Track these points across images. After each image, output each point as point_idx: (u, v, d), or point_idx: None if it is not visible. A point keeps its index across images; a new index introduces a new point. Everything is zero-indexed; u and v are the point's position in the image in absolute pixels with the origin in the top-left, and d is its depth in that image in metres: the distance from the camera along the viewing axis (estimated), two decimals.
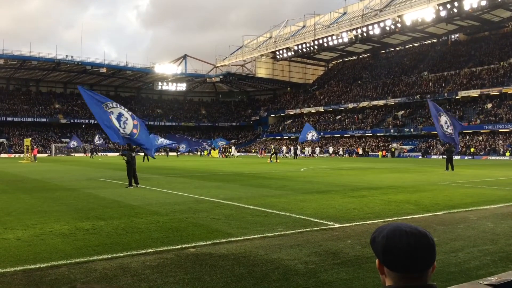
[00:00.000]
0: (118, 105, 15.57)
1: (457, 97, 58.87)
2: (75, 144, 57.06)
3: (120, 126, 14.96)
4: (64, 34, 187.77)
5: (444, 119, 22.95)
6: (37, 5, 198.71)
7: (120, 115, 15.23)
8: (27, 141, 44.98)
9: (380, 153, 58.14)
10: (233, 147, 59.23)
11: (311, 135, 42.80)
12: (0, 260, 5.64)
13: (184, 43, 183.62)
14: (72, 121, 76.78)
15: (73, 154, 67.14)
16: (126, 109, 15.71)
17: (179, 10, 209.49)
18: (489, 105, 55.87)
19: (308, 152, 61.28)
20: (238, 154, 62.05)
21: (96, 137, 60.06)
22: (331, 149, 63.40)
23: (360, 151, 61.13)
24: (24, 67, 71.73)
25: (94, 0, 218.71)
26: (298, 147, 58.20)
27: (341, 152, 62.46)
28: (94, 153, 57.99)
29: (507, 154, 48.10)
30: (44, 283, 4.75)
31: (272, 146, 44.42)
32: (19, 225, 8.02)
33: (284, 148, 61.97)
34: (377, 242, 1.32)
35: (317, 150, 62.52)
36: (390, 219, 8.64)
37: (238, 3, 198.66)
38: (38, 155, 47.21)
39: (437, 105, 25.53)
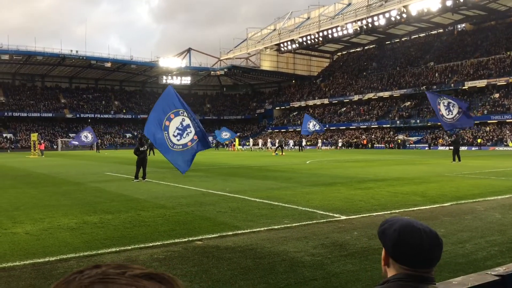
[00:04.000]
0: (192, 116, 14.38)
1: (463, 87, 58.42)
2: (89, 136, 50.90)
3: (174, 135, 13.84)
4: (76, 30, 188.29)
5: (444, 104, 22.19)
6: (50, 2, 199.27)
7: (187, 126, 14.06)
8: (34, 136, 45.20)
9: (385, 145, 57.95)
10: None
11: (312, 124, 41.13)
12: (9, 254, 5.70)
13: (193, 37, 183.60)
14: (78, 115, 77.04)
15: (78, 148, 66.82)
16: (195, 121, 14.55)
17: (189, 4, 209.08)
18: (496, 95, 55.43)
19: (291, 145, 59.14)
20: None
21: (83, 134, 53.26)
22: (340, 142, 62.83)
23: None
24: (29, 62, 71.89)
25: None
26: (303, 140, 58.05)
27: (340, 144, 61.77)
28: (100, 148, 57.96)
29: (510, 144, 47.97)
30: (53, 276, 4.80)
31: (278, 139, 44.30)
32: (27, 219, 8.09)
33: (290, 142, 61.62)
34: (388, 234, 1.32)
35: (319, 142, 61.83)
36: (397, 211, 8.63)
37: None
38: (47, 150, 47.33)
39: (435, 93, 24.86)
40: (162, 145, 14.32)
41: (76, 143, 53.03)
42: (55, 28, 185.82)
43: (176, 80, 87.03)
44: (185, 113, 14.12)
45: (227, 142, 58.68)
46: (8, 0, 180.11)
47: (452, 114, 21.81)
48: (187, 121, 14.04)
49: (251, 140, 58.42)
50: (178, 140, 14.03)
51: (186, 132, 14.19)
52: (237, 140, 55.14)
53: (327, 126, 71.13)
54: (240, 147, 56.51)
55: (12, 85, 79.01)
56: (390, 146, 57.18)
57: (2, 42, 66.43)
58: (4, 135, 69.83)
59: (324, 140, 65.45)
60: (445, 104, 21.89)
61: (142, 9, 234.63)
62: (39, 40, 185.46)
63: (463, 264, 5.03)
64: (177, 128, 13.91)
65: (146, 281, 0.61)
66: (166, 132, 13.97)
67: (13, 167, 25.09)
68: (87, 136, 48.03)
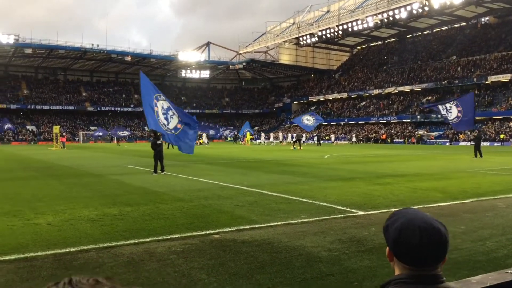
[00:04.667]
0: (167, 99, 15.75)
1: (486, 82, 57.18)
2: (101, 134, 59.08)
3: (164, 119, 15.05)
4: (98, 24, 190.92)
5: (441, 108, 22.63)
6: None
7: (168, 109, 15.28)
8: (56, 129, 46.08)
9: (405, 140, 57.21)
10: (204, 135, 54.65)
11: (306, 118, 39.93)
12: (31, 244, 5.84)
13: (212, 31, 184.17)
14: (98, 109, 78.18)
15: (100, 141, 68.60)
16: (172, 104, 15.82)
17: None
18: None
19: (278, 139, 58.50)
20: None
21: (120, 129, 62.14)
22: (354, 137, 62.26)
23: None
24: (51, 56, 73.19)
25: None
26: (304, 135, 57.67)
27: (354, 139, 61.02)
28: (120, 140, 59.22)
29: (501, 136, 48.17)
30: (74, 266, 4.90)
31: (296, 134, 44.13)
32: (49, 210, 8.27)
33: (292, 136, 60.94)
34: (389, 232, 1.32)
35: (332, 137, 60.91)
36: (416, 207, 8.52)
37: None
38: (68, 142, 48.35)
39: (435, 104, 25.67)
40: (163, 132, 15.14)
41: (100, 133, 59.48)
42: (77, 22, 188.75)
43: (195, 74, 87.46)
44: (162, 97, 14.92)
45: (229, 138, 59.13)
46: None
47: (451, 116, 22.19)
48: (166, 104, 14.83)
49: (262, 135, 58.06)
50: (167, 124, 14.79)
51: (169, 115, 14.92)
52: (248, 134, 55.20)
53: (345, 120, 70.64)
54: (253, 141, 56.42)
55: (35, 78, 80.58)
56: (412, 141, 56.34)
57: (25, 36, 67.70)
58: (28, 127, 71.38)
59: (338, 135, 64.92)
60: (443, 108, 22.33)
61: (163, 2, 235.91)
62: (61, 34, 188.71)
63: (483, 262, 4.95)
64: (162, 113, 14.72)
65: None
66: (158, 118, 14.71)
67: (36, 159, 25.63)
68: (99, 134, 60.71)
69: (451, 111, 22.37)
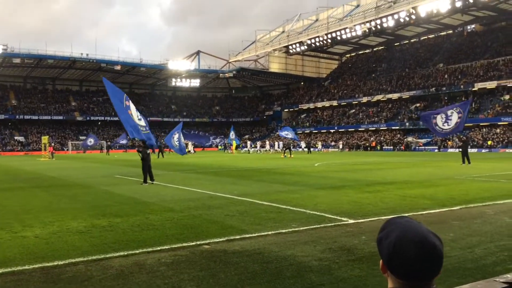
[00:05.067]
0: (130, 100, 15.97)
1: (473, 89, 57.93)
2: (92, 141, 57.84)
3: (138, 119, 15.35)
4: (88, 33, 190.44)
5: (442, 117, 22.59)
6: (65, 5, 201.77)
7: (137, 110, 15.72)
8: (45, 139, 45.68)
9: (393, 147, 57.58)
10: (189, 143, 54.38)
11: (285, 133, 44.30)
12: (18, 257, 5.76)
13: (203, 40, 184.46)
14: (88, 118, 77.67)
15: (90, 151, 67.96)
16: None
17: (200, 6, 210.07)
18: (507, 97, 54.85)
19: (256, 148, 58.72)
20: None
21: (121, 137, 60.72)
22: (341, 144, 62.50)
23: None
24: (40, 65, 72.69)
25: None
26: (318, 142, 57.95)
27: (341, 147, 61.02)
28: (109, 150, 58.77)
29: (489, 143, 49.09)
30: (62, 280, 4.84)
31: (285, 142, 44.43)
32: (37, 222, 8.17)
33: (278, 144, 61.18)
34: (383, 245, 1.30)
35: (319, 144, 60.86)
36: (406, 215, 8.55)
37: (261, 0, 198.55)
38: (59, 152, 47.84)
39: (428, 114, 25.71)
40: (144, 137, 15.32)
41: (92, 140, 58.47)
42: (68, 31, 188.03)
43: (185, 83, 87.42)
44: (127, 97, 15.21)
45: (220, 147, 58.86)
46: (23, 5, 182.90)
47: (449, 125, 22.10)
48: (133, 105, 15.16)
49: (248, 143, 57.91)
50: (144, 124, 15.10)
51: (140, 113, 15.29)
52: (234, 143, 55.37)
53: (335, 128, 71.05)
54: (240, 149, 56.30)
55: (24, 88, 79.91)
56: (402, 148, 56.69)
57: (13, 46, 67.25)
58: (16, 138, 70.62)
59: (325, 143, 65.13)
60: (443, 116, 22.21)
61: (154, 11, 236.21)
62: (53, 44, 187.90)
63: (472, 270, 4.98)
64: (135, 111, 15.04)
65: None
66: (136, 123, 14.90)
67: (25, 170, 25.34)
68: (91, 141, 57.44)
69: (451, 118, 22.23)
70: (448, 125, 22.37)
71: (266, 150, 57.11)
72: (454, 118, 22.27)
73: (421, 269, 1.23)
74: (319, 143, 61.94)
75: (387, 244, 1.28)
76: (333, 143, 65.02)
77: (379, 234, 1.36)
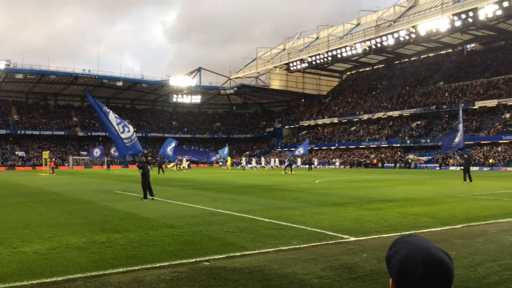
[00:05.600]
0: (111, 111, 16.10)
1: (473, 107, 58.14)
2: (99, 152, 57.51)
3: (121, 131, 15.36)
4: (92, 50, 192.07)
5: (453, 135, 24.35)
6: (68, 23, 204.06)
7: (121, 121, 15.75)
8: (46, 154, 45.71)
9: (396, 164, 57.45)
10: (184, 159, 53.64)
11: (298, 151, 44.69)
12: (17, 273, 5.71)
13: (205, 57, 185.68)
14: (89, 134, 77.80)
15: (90, 166, 67.97)
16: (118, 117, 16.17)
17: (203, 24, 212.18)
18: (507, 115, 55.00)
19: (259, 164, 58.54)
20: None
21: (113, 150, 60.55)
22: (337, 162, 62.39)
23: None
24: (42, 81, 73.14)
25: (123, 17, 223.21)
26: (314, 159, 57.76)
27: (337, 164, 60.76)
28: (110, 165, 58.67)
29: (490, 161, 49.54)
30: None
31: (288, 158, 44.37)
32: (36, 238, 8.12)
33: (277, 160, 61.08)
34: (392, 264, 1.29)
35: (315, 161, 60.12)
36: (407, 233, 8.51)
37: (264, 18, 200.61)
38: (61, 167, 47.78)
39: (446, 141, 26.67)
40: (127, 152, 15.35)
41: (99, 151, 57.88)
42: (71, 48, 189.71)
43: (186, 99, 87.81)
44: (107, 108, 15.32)
45: (220, 163, 58.36)
46: (27, 22, 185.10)
47: (456, 138, 23.78)
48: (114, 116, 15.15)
49: (184, 159, 57.05)
50: (123, 133, 15.05)
51: (123, 124, 15.25)
52: (229, 159, 55.28)
53: (336, 145, 71.08)
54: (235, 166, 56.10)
55: (26, 103, 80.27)
56: (406, 166, 56.53)
57: (16, 62, 67.71)
58: (17, 153, 70.66)
59: (321, 160, 65.05)
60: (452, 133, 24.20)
61: (157, 29, 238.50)
62: (56, 61, 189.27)
63: None
64: (117, 123, 15.03)
65: None
66: (119, 134, 14.92)
67: (24, 185, 25.29)
68: (97, 152, 57.19)
69: (456, 136, 24.01)
70: (457, 137, 23.98)
71: (262, 167, 56.88)
72: (458, 137, 23.66)
73: (430, 285, 1.22)
74: (315, 160, 61.57)
75: (395, 261, 1.27)
76: (333, 160, 64.93)
77: (387, 252, 1.35)
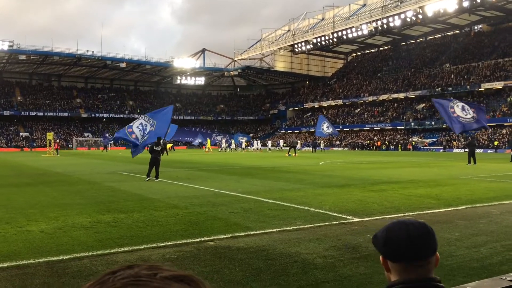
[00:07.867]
0: (142, 117, 16.99)
1: (480, 89, 57.61)
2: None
3: (140, 134, 16.03)
4: (98, 31, 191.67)
5: (458, 106, 21.24)
6: (75, 4, 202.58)
7: (140, 124, 16.29)
8: (50, 135, 45.86)
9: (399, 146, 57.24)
10: (209, 141, 54.58)
11: (326, 126, 41.63)
12: (24, 251, 5.78)
13: (212, 38, 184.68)
14: (93, 115, 77.91)
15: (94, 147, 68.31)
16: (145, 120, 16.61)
17: (210, 6, 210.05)
18: None
19: (257, 146, 57.86)
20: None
21: (107, 133, 61.55)
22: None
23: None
24: (46, 62, 72.93)
25: None
26: (317, 141, 57.39)
27: (321, 146, 59.30)
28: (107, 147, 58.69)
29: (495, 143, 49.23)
30: (67, 274, 4.85)
31: (290, 140, 44.09)
32: (42, 217, 8.20)
33: (281, 142, 60.87)
34: (379, 236, 1.36)
35: (321, 143, 58.79)
36: (411, 214, 8.54)
37: (271, 0, 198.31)
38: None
39: (445, 99, 23.84)
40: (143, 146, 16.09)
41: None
42: (77, 30, 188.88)
43: (190, 81, 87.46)
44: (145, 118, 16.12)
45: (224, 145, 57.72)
46: (35, 3, 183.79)
47: (470, 114, 20.96)
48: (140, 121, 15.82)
49: (223, 141, 56.37)
50: (142, 137, 15.82)
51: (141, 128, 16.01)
52: (208, 141, 55.05)
53: (340, 127, 70.79)
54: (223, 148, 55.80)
55: (29, 84, 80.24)
56: (408, 147, 56.28)
57: (20, 42, 67.44)
58: (21, 134, 70.97)
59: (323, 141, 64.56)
60: (459, 106, 21.23)
61: (165, 10, 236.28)
62: (61, 42, 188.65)
63: (477, 269, 4.96)
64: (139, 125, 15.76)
65: (176, 284, 0.64)
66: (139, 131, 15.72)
67: (30, 166, 25.47)
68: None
69: (469, 112, 20.98)
70: (469, 114, 20.79)
71: (255, 149, 56.51)
72: (470, 113, 20.90)
73: (416, 245, 1.28)
74: (322, 142, 60.75)
75: (380, 233, 1.35)
76: (337, 142, 64.64)
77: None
